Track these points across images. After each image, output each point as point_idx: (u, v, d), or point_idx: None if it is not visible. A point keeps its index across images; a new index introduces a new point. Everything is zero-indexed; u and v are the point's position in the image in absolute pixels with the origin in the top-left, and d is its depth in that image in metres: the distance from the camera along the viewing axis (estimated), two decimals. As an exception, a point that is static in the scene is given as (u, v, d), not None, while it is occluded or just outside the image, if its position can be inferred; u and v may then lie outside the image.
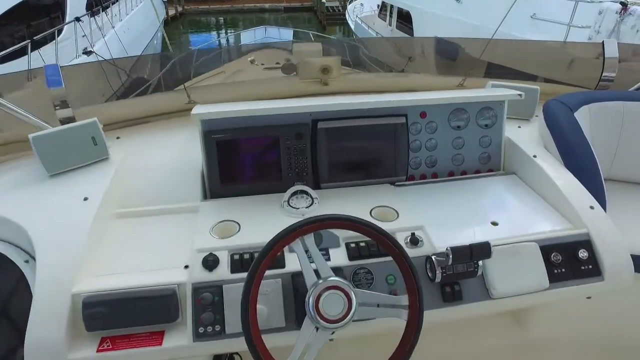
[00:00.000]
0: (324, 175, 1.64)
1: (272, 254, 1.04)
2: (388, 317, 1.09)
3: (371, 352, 1.36)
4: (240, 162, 1.59)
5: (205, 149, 1.55)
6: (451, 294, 1.27)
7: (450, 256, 1.16)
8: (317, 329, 1.03)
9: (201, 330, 1.18)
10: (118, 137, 1.84)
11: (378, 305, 1.08)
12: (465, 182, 1.70)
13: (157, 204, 1.53)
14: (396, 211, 1.47)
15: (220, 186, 1.59)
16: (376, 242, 1.12)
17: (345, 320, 1.02)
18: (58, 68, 1.65)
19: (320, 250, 1.20)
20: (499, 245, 1.32)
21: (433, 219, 1.46)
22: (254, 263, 1.04)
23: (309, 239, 1.08)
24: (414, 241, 1.31)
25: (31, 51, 6.43)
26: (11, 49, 6.20)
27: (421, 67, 3.94)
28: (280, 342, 1.16)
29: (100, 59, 7.62)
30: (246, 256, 1.26)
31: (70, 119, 1.68)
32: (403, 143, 1.67)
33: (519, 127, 1.91)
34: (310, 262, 1.08)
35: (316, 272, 1.07)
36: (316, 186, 1.65)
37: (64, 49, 7.73)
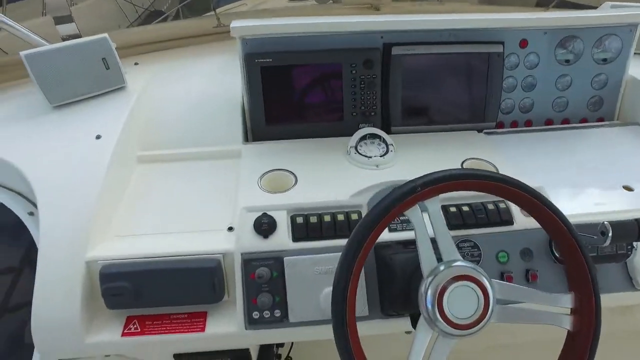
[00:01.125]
0: (397, 117, 1.28)
1: (379, 229, 0.72)
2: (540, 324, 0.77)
3: None
4: (290, 95, 1.24)
5: (247, 77, 1.20)
6: None
7: (610, 234, 0.82)
8: (438, 335, 0.72)
9: (256, 315, 0.89)
10: (136, 63, 1.49)
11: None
12: (572, 133, 1.33)
13: (187, 146, 1.21)
14: (494, 165, 1.13)
15: (265, 126, 1.25)
16: (540, 219, 0.78)
17: (479, 325, 0.71)
18: None
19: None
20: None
21: (544, 177, 1.12)
22: (348, 248, 0.71)
23: (434, 205, 0.75)
24: None
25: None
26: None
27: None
28: (360, 334, 0.87)
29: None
30: (313, 219, 0.94)
31: (76, 37, 1.32)
32: (497, 80, 1.29)
33: None
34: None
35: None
36: (385, 130, 1.30)
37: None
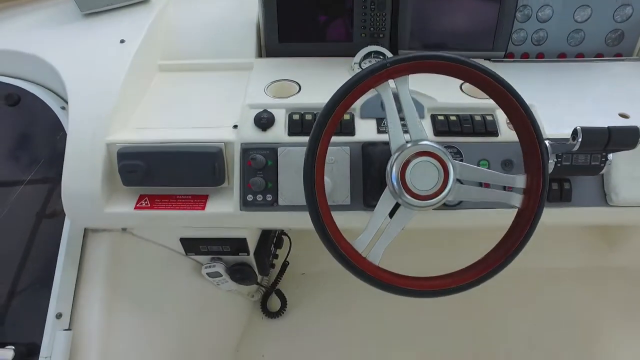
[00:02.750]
0: (405, 39, 1.32)
1: (353, 96, 0.79)
2: (492, 203, 0.84)
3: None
4: (303, 15, 1.29)
5: None
6: (558, 193, 1.00)
7: (580, 139, 0.86)
8: (399, 205, 0.80)
9: (249, 197, 1.00)
10: None
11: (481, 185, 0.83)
12: (582, 65, 1.32)
13: (205, 57, 1.30)
14: None
15: (278, 43, 1.32)
16: (500, 102, 0.84)
17: (438, 198, 0.79)
18: None
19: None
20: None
21: (541, 101, 1.14)
22: (325, 109, 0.79)
23: (403, 85, 0.81)
24: None
25: None
26: None
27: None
28: (342, 223, 0.97)
29: None
30: (308, 117, 1.02)
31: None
32: (510, 7, 1.29)
33: None
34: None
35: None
36: (393, 52, 1.34)
37: None
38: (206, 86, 1.23)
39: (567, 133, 1.05)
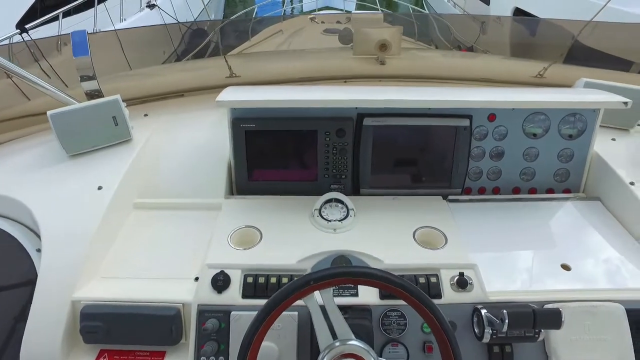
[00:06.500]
0: (366, 180, 1.41)
1: (281, 308, 0.86)
2: None
3: None
4: (271, 157, 1.40)
5: (233, 139, 1.37)
6: (500, 356, 1.04)
7: (506, 321, 0.92)
8: None
9: (203, 359, 1.04)
10: (146, 115, 1.70)
11: None
12: (533, 204, 1.40)
13: (178, 195, 1.40)
14: (445, 235, 1.23)
15: (247, 182, 1.42)
16: (414, 307, 0.89)
17: None
18: (85, 34, 1.51)
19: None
20: (569, 301, 1.05)
21: (488, 252, 1.21)
22: (254, 321, 0.86)
23: (327, 294, 0.88)
24: (462, 284, 1.07)
25: (97, 3, 6.50)
26: (79, 1, 6.27)
27: (492, 45, 3.47)
28: None
29: (163, 13, 7.60)
30: (261, 280, 1.09)
31: (96, 92, 1.55)
32: (463, 150, 1.40)
33: (613, 139, 1.55)
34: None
35: (331, 330, 0.88)
36: (355, 191, 1.43)
37: (129, 1, 7.75)
38: (177, 228, 1.30)
39: (510, 290, 1.10)
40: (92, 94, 1.55)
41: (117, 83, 1.79)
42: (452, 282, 1.09)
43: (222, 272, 1.09)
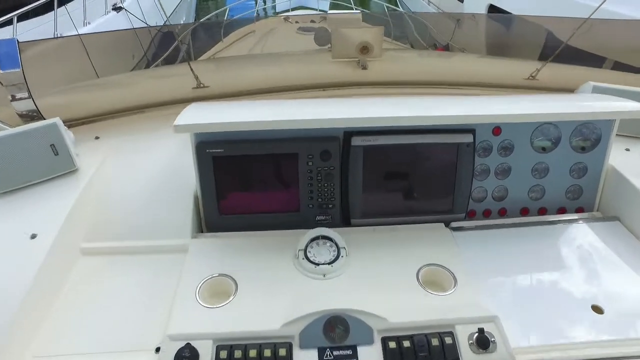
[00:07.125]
0: (357, 209, 1.21)
1: None
2: None
3: None
4: (244, 186, 1.18)
5: (199, 167, 1.15)
6: None
7: None
8: None
9: None
10: (97, 137, 1.45)
11: None
12: (545, 228, 1.23)
13: (136, 236, 1.16)
14: (453, 275, 1.04)
15: (217, 217, 1.20)
16: None
17: None
18: (15, 43, 1.25)
19: (346, 348, 0.86)
20: (610, 359, 0.88)
21: (504, 294, 1.03)
22: None
23: None
24: (483, 343, 0.88)
25: (58, 6, 6.09)
26: (37, 3, 5.86)
27: (468, 43, 3.36)
28: None
29: (130, 16, 7.26)
30: (237, 354, 0.87)
31: (33, 113, 1.30)
32: (467, 169, 1.22)
33: (627, 149, 1.40)
34: None
35: None
36: (345, 222, 1.23)
37: (93, 4, 7.33)
38: (133, 279, 1.08)
39: (537, 345, 0.92)
40: (28, 115, 1.30)
41: (63, 97, 1.54)
42: (470, 342, 0.89)
43: (187, 345, 0.86)
